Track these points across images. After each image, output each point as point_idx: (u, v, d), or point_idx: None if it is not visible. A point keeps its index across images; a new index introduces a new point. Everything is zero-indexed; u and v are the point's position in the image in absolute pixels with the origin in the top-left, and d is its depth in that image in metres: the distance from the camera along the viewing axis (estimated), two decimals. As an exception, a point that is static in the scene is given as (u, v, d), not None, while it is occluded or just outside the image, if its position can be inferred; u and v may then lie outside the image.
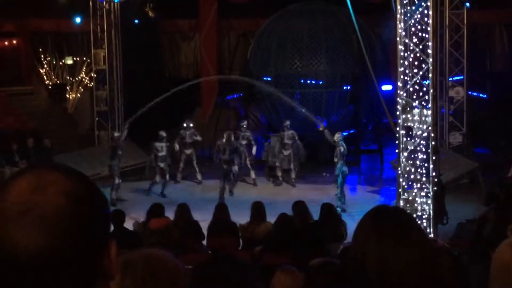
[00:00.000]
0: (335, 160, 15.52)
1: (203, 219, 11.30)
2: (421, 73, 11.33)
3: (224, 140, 16.88)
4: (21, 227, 1.25)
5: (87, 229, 1.30)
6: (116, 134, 17.50)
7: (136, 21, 21.25)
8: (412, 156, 11.55)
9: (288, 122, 18.19)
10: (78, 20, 21.26)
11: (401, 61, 11.39)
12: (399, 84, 11.47)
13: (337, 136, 15.72)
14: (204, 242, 10.54)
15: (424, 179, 11.53)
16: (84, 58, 23.67)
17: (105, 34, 20.47)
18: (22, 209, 1.26)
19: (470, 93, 20.00)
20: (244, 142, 18.23)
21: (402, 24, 11.33)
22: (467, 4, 18.55)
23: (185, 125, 18.26)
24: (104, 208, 1.37)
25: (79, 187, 1.32)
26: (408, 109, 11.43)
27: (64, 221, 1.27)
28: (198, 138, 18.19)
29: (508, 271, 2.12)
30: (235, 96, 23.50)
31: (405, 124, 11.50)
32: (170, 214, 10.60)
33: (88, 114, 22.67)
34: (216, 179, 18.48)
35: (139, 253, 1.86)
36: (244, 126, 18.48)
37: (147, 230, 9.71)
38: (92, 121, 21.66)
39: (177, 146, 18.12)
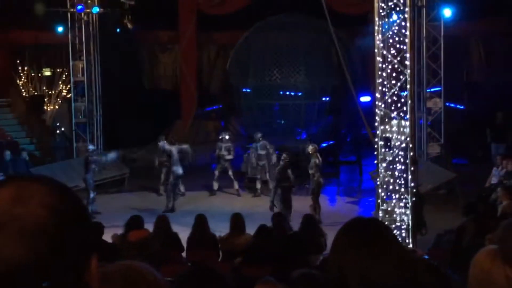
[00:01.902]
0: (311, 172, 15.48)
1: (183, 231, 11.26)
2: (399, 84, 11.40)
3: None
4: (0, 239, 1.24)
5: (67, 243, 1.28)
6: (90, 147, 17.29)
7: (115, 32, 21.19)
8: (391, 166, 11.59)
9: (259, 135, 18.13)
10: (60, 29, 21.08)
11: (379, 73, 11.45)
12: (378, 95, 11.53)
13: (311, 148, 15.70)
14: (184, 254, 10.51)
15: (402, 189, 11.58)
16: (63, 70, 23.56)
17: (84, 45, 20.39)
18: (2, 221, 1.25)
19: (447, 104, 20.17)
20: (226, 153, 18.19)
21: (380, 36, 11.41)
22: (445, 15, 18.69)
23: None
24: (86, 221, 1.35)
25: (61, 200, 1.30)
26: (387, 120, 11.49)
27: (45, 234, 1.25)
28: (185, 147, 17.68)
29: (488, 278, 2.13)
30: (214, 107, 23.50)
31: (384, 135, 11.55)
32: (149, 226, 10.55)
33: (66, 125, 22.56)
34: (198, 190, 18.47)
35: (117, 266, 1.84)
36: (227, 137, 18.44)
37: (126, 242, 9.64)
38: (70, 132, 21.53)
39: (156, 162, 17.91)
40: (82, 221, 1.33)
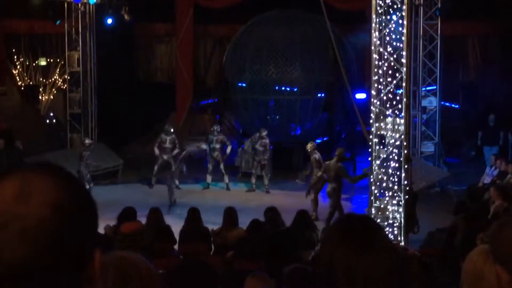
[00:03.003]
0: (315, 170, 15.61)
1: (175, 223, 11.27)
2: (394, 82, 11.42)
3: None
4: (2, 239, 1.22)
5: (72, 241, 1.26)
6: (87, 141, 17.36)
7: (111, 23, 21.12)
8: (385, 164, 11.62)
9: (265, 132, 18.17)
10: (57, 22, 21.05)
11: (375, 70, 11.47)
12: (373, 92, 11.55)
13: (309, 146, 15.84)
14: (176, 246, 10.51)
15: (396, 187, 11.61)
16: (58, 60, 23.49)
17: (80, 36, 20.33)
18: (4, 220, 1.22)
19: (442, 103, 20.20)
20: (218, 146, 18.20)
21: (377, 33, 11.42)
22: (438, 12, 18.73)
23: (165, 130, 18.17)
24: (92, 216, 1.32)
25: (67, 196, 1.27)
26: (381, 117, 11.52)
27: (47, 234, 1.23)
28: (176, 151, 18.02)
29: (480, 277, 2.15)
30: (210, 101, 23.48)
31: (378, 133, 11.57)
32: (142, 218, 10.55)
33: (61, 116, 22.52)
34: (191, 183, 18.49)
35: (110, 256, 1.84)
36: (218, 130, 18.45)
37: (118, 234, 9.64)
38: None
39: (157, 151, 17.96)
40: (87, 217, 1.30)
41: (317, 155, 15.67)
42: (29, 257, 1.22)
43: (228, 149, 18.39)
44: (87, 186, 16.11)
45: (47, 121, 23.01)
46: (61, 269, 1.25)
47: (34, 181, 1.26)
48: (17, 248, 1.22)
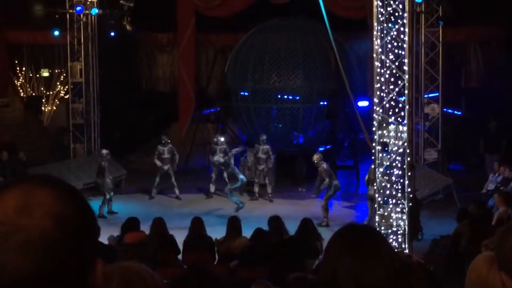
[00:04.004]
0: (325, 178, 15.68)
1: (179, 233, 11.25)
2: (397, 89, 11.42)
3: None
4: (5, 250, 1.23)
5: (74, 252, 1.27)
6: (104, 151, 17.32)
7: (114, 34, 21.17)
8: (388, 172, 11.61)
9: (264, 137, 18.20)
10: (56, 33, 21.16)
11: (378, 78, 11.47)
12: (375, 100, 11.54)
13: (316, 157, 15.93)
14: (180, 256, 10.50)
15: (399, 194, 11.59)
16: (61, 71, 23.54)
17: (82, 46, 20.37)
18: (7, 232, 1.23)
19: (445, 110, 20.19)
20: (221, 155, 18.17)
21: (379, 41, 11.42)
22: (441, 22, 18.79)
23: (163, 141, 18.21)
24: (93, 227, 1.33)
25: (68, 208, 1.28)
26: (384, 125, 11.51)
27: (50, 245, 1.24)
28: (176, 156, 18.15)
29: (484, 284, 2.14)
30: (212, 110, 23.49)
31: (381, 140, 11.56)
32: (145, 228, 10.55)
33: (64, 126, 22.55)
34: (194, 193, 18.47)
35: (115, 266, 1.84)
36: (222, 139, 18.43)
37: (122, 244, 9.64)
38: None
39: (158, 162, 18.00)
40: (88, 228, 1.31)
41: (324, 165, 15.82)
42: (32, 268, 1.22)
43: (227, 157, 18.33)
44: (107, 196, 16.17)
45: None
46: (62, 280, 1.25)
47: (36, 193, 1.27)
48: (20, 259, 1.22)
